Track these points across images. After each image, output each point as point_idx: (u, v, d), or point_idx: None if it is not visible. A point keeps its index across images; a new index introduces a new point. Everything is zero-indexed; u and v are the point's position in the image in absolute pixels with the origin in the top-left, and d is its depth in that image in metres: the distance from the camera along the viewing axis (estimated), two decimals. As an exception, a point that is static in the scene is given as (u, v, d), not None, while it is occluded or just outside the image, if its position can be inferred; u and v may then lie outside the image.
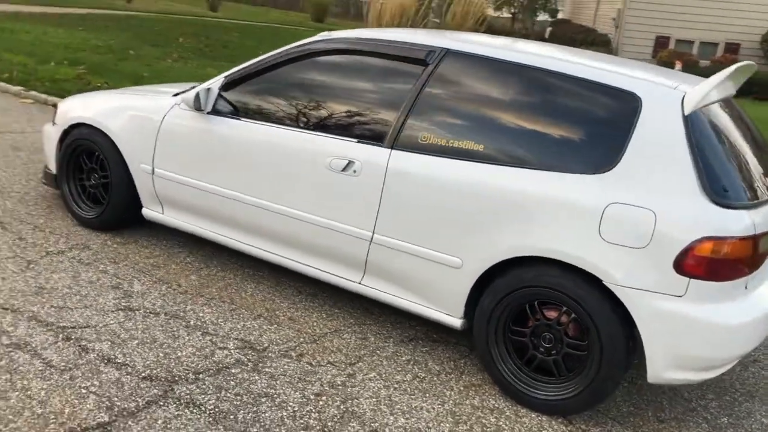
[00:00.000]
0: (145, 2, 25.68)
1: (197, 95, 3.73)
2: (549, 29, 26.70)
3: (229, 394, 2.84)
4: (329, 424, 2.74)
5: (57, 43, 11.40)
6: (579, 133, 2.95)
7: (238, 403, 2.79)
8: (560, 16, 31.86)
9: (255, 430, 2.64)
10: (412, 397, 3.01)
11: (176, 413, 2.67)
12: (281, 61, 3.68)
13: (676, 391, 3.37)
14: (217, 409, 2.73)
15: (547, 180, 2.91)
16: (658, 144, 2.80)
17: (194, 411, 2.70)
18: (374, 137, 3.31)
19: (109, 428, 2.53)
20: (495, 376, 3.10)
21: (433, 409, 2.94)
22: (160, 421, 2.60)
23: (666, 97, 2.86)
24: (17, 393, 2.65)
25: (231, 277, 3.94)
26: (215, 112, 3.79)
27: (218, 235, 3.86)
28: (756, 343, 2.88)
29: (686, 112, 2.81)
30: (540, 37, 27.35)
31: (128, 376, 2.86)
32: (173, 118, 3.90)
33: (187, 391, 2.82)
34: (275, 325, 3.46)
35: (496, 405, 3.03)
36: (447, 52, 3.33)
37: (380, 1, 7.68)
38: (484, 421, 2.90)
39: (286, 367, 3.10)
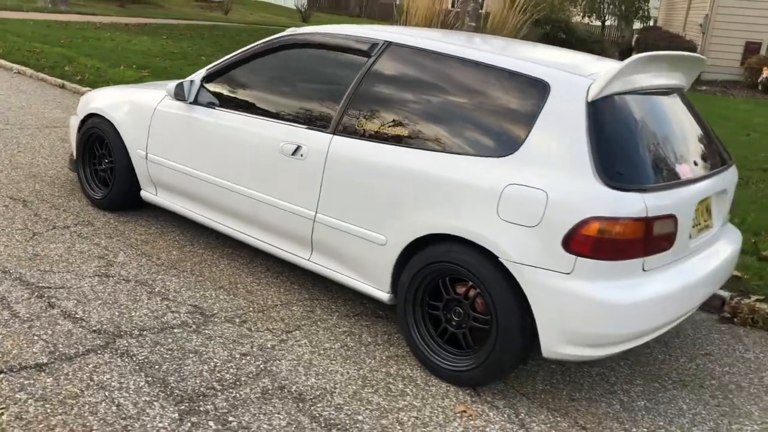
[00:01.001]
0: (242, 14, 26.92)
1: (177, 86, 4.12)
2: (635, 36, 25.99)
3: (162, 349, 3.17)
4: (242, 378, 3.01)
5: (135, 50, 12.29)
6: (491, 119, 3.11)
7: (167, 356, 3.11)
8: (654, 23, 30.92)
9: (172, 378, 2.95)
10: (333, 362, 3.24)
11: (108, 360, 3.01)
12: (250, 55, 4.02)
13: (603, 375, 3.44)
14: (145, 360, 3.06)
15: (457, 163, 3.08)
16: (559, 129, 2.92)
17: (125, 360, 3.04)
18: (321, 124, 3.58)
19: (44, 368, 2.90)
20: (411, 346, 3.29)
21: (348, 373, 3.16)
22: (90, 366, 2.96)
23: (573, 85, 2.98)
24: (-21, 335, 3.08)
25: (209, 254, 4.29)
26: (196, 102, 4.16)
27: (197, 215, 4.22)
28: (659, 322, 2.93)
29: (589, 99, 2.91)
30: (627, 46, 26.68)
31: (80, 329, 3.25)
32: (163, 107, 4.30)
33: (126, 344, 3.17)
34: (231, 296, 3.78)
35: (410, 374, 3.21)
36: (389, 45, 3.55)
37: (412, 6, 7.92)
38: (392, 386, 3.10)
39: (225, 330, 3.40)
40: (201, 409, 2.77)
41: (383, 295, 3.39)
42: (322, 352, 3.32)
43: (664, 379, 3.48)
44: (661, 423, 3.08)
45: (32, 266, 3.82)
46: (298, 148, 3.59)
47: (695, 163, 3.22)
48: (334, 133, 3.50)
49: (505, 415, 2.99)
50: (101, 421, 2.61)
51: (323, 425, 2.76)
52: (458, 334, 3.15)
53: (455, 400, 3.05)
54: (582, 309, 2.78)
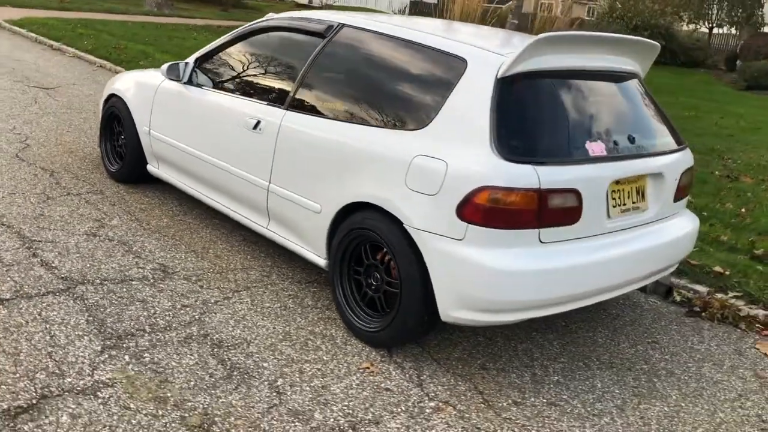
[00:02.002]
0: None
1: (170, 66, 4.51)
2: (740, 43, 24.74)
3: (113, 296, 3.52)
4: (173, 325, 3.32)
5: (213, 48, 13.01)
6: (414, 94, 3.28)
7: (115, 302, 3.46)
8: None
9: (111, 320, 3.29)
10: (264, 318, 3.49)
11: (61, 301, 3.40)
12: (232, 39, 4.35)
13: (528, 351, 3.50)
14: (94, 304, 3.42)
15: (378, 136, 3.27)
16: (468, 103, 3.05)
17: (76, 302, 3.41)
18: (278, 100, 3.85)
19: (4, 302, 3.31)
20: (337, 307, 3.50)
21: (273, 328, 3.40)
22: (44, 304, 3.35)
23: (486, 63, 3.10)
24: (-40, 273, 3.55)
25: (196, 224, 4.65)
26: (190, 82, 4.53)
27: (186, 186, 4.59)
28: (558, 294, 2.98)
29: (498, 76, 3.03)
30: (733, 53, 25.42)
31: (49, 275, 3.65)
32: (163, 86, 4.70)
33: (84, 290, 3.54)
34: (199, 259, 4.10)
35: (332, 334, 3.42)
36: (342, 26, 3.78)
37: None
38: (309, 343, 3.31)
39: (178, 286, 3.72)
40: (123, 345, 3.08)
41: (320, 260, 3.61)
42: (259, 310, 3.57)
43: (591, 359, 3.51)
44: (565, 396, 3.13)
45: (33, 223, 4.29)
46: (258, 122, 3.87)
47: (615, 143, 3.24)
48: (287, 109, 3.76)
49: (407, 375, 3.13)
50: (32, 347, 2.97)
51: (227, 367, 3.02)
52: (375, 297, 3.32)
53: (364, 359, 3.23)
54: (472, 274, 2.89)
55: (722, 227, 5.34)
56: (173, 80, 4.56)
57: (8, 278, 3.55)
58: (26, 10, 16.38)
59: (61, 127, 6.64)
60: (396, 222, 3.11)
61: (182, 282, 3.77)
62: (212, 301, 3.61)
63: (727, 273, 4.48)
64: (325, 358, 3.20)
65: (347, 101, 3.51)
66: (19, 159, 5.52)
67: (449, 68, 3.19)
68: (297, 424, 2.70)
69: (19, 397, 2.61)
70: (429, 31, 3.50)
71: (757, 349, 3.85)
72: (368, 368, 3.15)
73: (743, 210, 5.85)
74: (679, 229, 3.61)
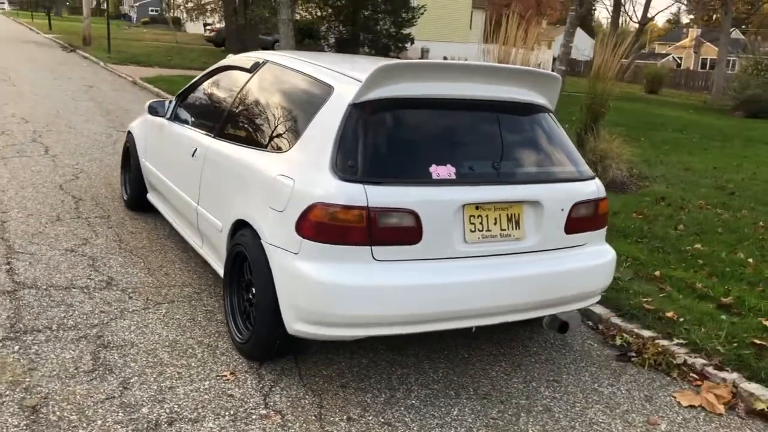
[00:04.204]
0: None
1: (153, 103, 5.02)
2: None
3: (47, 299, 3.95)
4: (79, 326, 3.67)
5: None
6: (291, 119, 3.51)
7: (44, 304, 3.89)
8: None
9: (28, 317, 3.71)
10: (165, 328, 3.77)
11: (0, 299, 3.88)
12: (200, 78, 4.80)
13: (404, 377, 3.50)
14: (25, 304, 3.86)
15: (255, 158, 3.52)
16: (324, 126, 3.22)
17: (12, 302, 3.87)
18: (212, 130, 4.20)
19: (-50, 297, 3.84)
20: (224, 319, 3.70)
21: (166, 336, 3.67)
22: (-18, 300, 3.85)
23: (345, 90, 3.27)
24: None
25: (170, 246, 5.06)
26: (175, 117, 5.02)
27: (161, 209, 5.04)
28: (393, 312, 3.01)
29: (351, 102, 3.18)
30: None
31: (6, 278, 4.17)
32: (153, 121, 5.23)
33: (26, 293, 4.01)
34: (147, 275, 4.48)
35: (217, 345, 3.62)
36: (266, 62, 4.09)
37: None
38: (189, 351, 3.53)
39: (110, 296, 4.10)
40: (22, 338, 3.48)
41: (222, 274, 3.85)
42: (166, 321, 3.86)
43: (467, 390, 3.44)
44: (407, 419, 3.11)
45: (27, 239, 4.89)
46: (195, 150, 4.24)
47: (471, 168, 3.24)
48: (215, 137, 4.10)
49: (260, 385, 3.27)
50: (-57, 332, 3.44)
51: (98, 363, 3.31)
52: (250, 311, 3.50)
53: (230, 368, 3.40)
54: (303, 287, 3.02)
55: (706, 276, 4.96)
56: (154, 116, 5.06)
57: (-31, 279, 4.11)
58: (171, 70, 18.36)
59: (108, 160, 7.43)
60: (257, 237, 3.30)
61: (117, 293, 4.15)
62: (130, 309, 3.94)
63: (681, 320, 4.18)
64: (193, 364, 3.41)
65: (249, 127, 3.79)
66: (60, 189, 6.26)
67: (320, 95, 3.38)
68: (120, 413, 2.93)
69: None
70: (323, 63, 3.71)
71: (674, 397, 3.57)
72: (225, 376, 3.32)
73: (751, 260, 5.39)
74: (574, 261, 3.50)
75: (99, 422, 2.85)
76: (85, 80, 15.67)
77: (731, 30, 34.16)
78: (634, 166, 9.04)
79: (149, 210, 5.72)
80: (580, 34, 52.72)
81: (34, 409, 2.90)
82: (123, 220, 5.54)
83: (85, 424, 2.83)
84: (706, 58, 64.27)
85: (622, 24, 54.32)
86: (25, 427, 2.77)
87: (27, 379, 3.12)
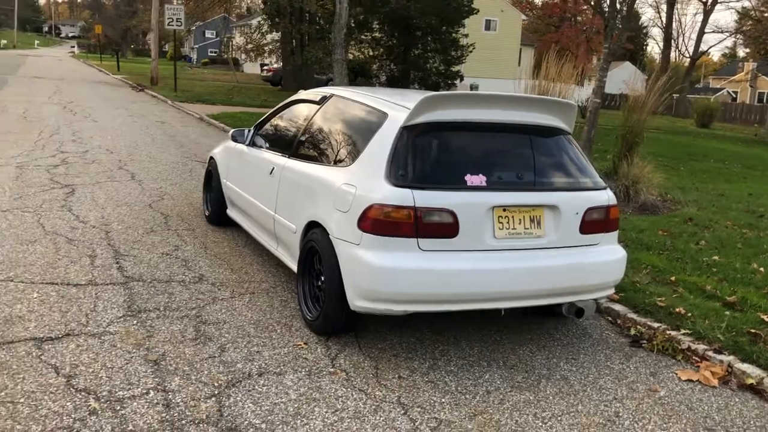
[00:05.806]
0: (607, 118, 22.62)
1: (235, 131, 5.96)
2: None
3: (153, 289, 4.83)
4: (181, 308, 4.53)
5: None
6: (353, 140, 4.35)
7: (151, 292, 4.77)
8: None
9: (140, 301, 4.59)
10: (250, 311, 4.59)
11: (116, 288, 4.77)
12: (277, 109, 5.71)
13: (445, 351, 4.24)
14: (136, 292, 4.75)
15: (327, 172, 4.36)
16: (380, 145, 4.05)
17: (126, 290, 4.77)
18: (287, 151, 5.08)
19: (78, 286, 4.77)
20: (297, 302, 4.52)
21: (251, 317, 4.49)
22: (104, 290, 4.75)
23: (398, 116, 4.09)
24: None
25: (247, 252, 5.93)
26: (252, 142, 5.94)
27: (240, 221, 5.93)
28: (434, 291, 3.78)
29: (402, 125, 4.01)
30: None
31: (118, 273, 5.08)
32: (234, 147, 6.16)
33: (135, 285, 4.90)
34: (231, 273, 5.34)
35: (292, 324, 4.42)
36: (332, 96, 4.97)
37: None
38: (270, 327, 4.35)
39: (203, 287, 4.97)
40: (138, 315, 4.35)
41: (294, 266, 4.68)
42: (250, 306, 4.69)
43: (497, 362, 4.16)
44: (447, 379, 3.85)
45: (129, 245, 5.83)
46: (273, 168, 5.12)
47: (500, 178, 4.00)
48: (289, 157, 4.97)
49: (328, 352, 4.05)
50: (78, 309, 4.34)
51: (199, 333, 4.15)
52: (319, 295, 4.31)
53: (303, 339, 4.20)
54: (364, 270, 3.81)
55: (717, 281, 5.57)
56: (236, 143, 5.99)
57: (90, 273, 5.04)
58: (233, 108, 19.66)
59: (198, 189, 8.41)
60: (326, 233, 4.12)
61: (207, 285, 5.02)
62: (220, 298, 4.80)
63: (688, 314, 4.81)
64: (274, 336, 4.22)
65: (318, 148, 4.65)
66: (150, 207, 7.24)
67: (377, 120, 4.22)
68: (221, 367, 3.75)
69: (53, 330, 3.96)
70: (379, 95, 4.56)
71: (675, 374, 4.21)
72: (300, 345, 4.12)
73: (762, 269, 5.96)
74: (588, 257, 4.20)
75: (205, 372, 3.68)
76: (156, 116, 17.00)
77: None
78: (668, 191, 9.61)
79: (228, 224, 6.63)
80: (629, 68, 52.92)
81: (155, 362, 3.74)
82: (206, 232, 6.45)
83: (196, 372, 3.65)
84: (763, 92, 63.66)
85: (674, 59, 54.41)
86: (151, 372, 3.61)
87: (147, 343, 3.97)
